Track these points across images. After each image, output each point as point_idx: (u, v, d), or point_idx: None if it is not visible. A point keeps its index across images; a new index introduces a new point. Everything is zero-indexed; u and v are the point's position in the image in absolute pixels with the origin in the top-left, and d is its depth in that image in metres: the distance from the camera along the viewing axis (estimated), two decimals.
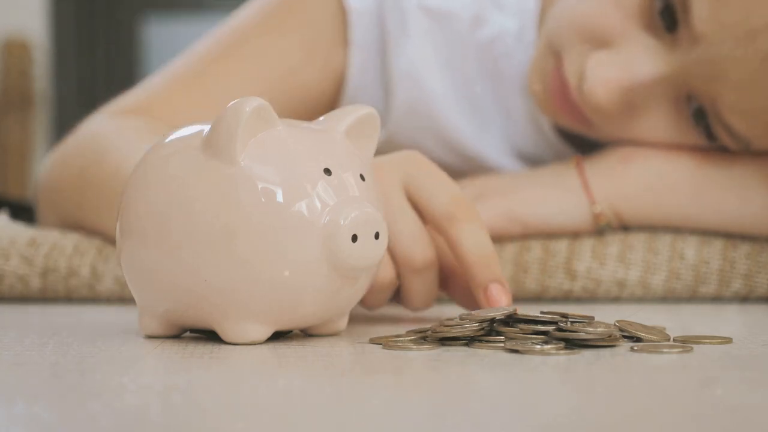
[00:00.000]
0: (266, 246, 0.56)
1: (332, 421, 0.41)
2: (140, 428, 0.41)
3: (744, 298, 0.84)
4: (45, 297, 0.84)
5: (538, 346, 0.56)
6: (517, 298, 0.84)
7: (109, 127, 0.87)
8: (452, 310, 0.70)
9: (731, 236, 0.84)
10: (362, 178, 0.59)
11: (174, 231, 0.57)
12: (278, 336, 0.61)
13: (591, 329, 0.57)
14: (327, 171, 0.57)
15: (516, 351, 0.56)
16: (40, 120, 3.21)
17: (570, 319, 0.58)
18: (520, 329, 0.58)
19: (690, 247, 0.84)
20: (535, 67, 0.87)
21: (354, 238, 0.57)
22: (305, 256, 0.57)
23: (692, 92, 0.81)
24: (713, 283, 0.83)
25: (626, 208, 0.85)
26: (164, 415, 0.43)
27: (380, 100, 0.92)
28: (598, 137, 0.87)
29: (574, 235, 0.85)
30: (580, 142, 0.91)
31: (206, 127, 0.58)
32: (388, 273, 0.66)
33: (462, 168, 0.92)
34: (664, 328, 0.62)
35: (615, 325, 0.59)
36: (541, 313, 0.59)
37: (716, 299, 0.84)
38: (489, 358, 0.55)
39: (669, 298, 0.84)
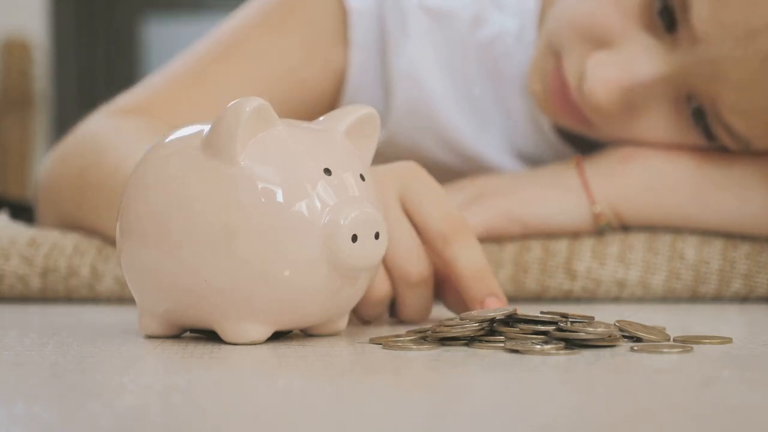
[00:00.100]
0: (266, 246, 0.56)
1: (332, 421, 0.41)
2: (140, 428, 0.41)
3: (744, 298, 0.84)
4: (45, 297, 0.84)
5: (538, 346, 0.56)
6: (517, 298, 0.84)
7: (109, 127, 0.87)
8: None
9: (731, 236, 0.84)
10: (362, 178, 0.59)
11: (174, 231, 0.57)
12: (278, 336, 0.61)
13: (591, 329, 0.57)
14: (327, 171, 0.57)
15: (516, 351, 0.56)
16: (40, 120, 3.21)
17: (570, 319, 0.58)
18: (520, 329, 0.58)
19: (690, 247, 0.84)
20: (535, 67, 0.87)
21: (354, 238, 0.57)
22: (305, 256, 0.57)
23: (692, 92, 0.81)
24: (713, 283, 0.83)
25: (626, 208, 0.85)
26: (164, 415, 0.43)
27: (380, 100, 0.92)
28: (598, 137, 0.87)
29: (574, 235, 0.85)
30: (580, 142, 0.91)
31: (206, 127, 0.58)
32: (383, 286, 0.66)
33: (462, 168, 0.92)
34: (664, 328, 0.62)
35: (615, 325, 0.59)
36: (541, 313, 0.59)
37: (716, 299, 0.84)
38: (489, 358, 0.55)
39: (669, 298, 0.84)
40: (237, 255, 0.56)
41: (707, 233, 0.85)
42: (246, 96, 0.57)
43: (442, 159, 0.92)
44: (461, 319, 0.59)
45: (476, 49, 0.93)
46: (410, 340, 0.59)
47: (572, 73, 0.83)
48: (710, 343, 0.59)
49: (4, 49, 3.14)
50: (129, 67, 3.26)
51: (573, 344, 0.57)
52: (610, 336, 0.58)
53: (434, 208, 0.66)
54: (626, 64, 0.81)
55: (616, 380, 0.50)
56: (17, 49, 3.15)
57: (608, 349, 0.57)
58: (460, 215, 0.66)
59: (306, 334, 0.62)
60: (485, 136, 0.93)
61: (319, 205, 0.57)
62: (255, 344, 0.58)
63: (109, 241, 0.83)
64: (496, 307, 0.63)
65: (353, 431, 0.40)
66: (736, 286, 0.83)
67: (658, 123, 0.84)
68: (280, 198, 0.56)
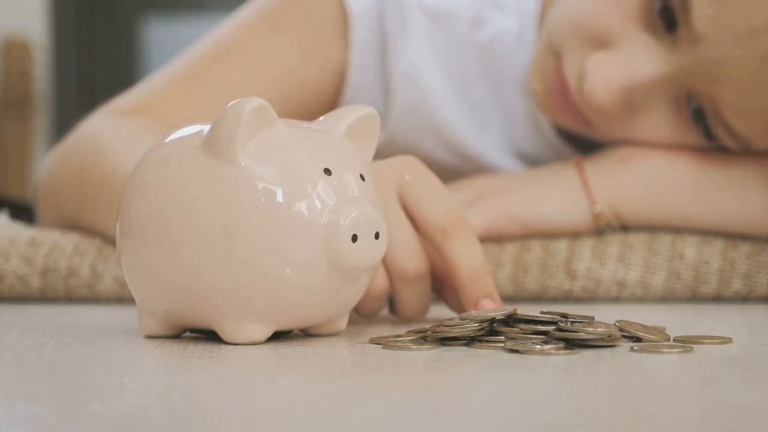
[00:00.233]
0: (266, 246, 0.56)
1: (332, 421, 0.41)
2: (140, 428, 0.41)
3: (744, 298, 0.84)
4: (45, 297, 0.84)
5: (538, 346, 0.56)
6: (517, 298, 0.84)
7: (108, 128, 0.87)
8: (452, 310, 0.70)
9: (731, 236, 0.84)
10: (362, 178, 0.59)
11: (174, 231, 0.57)
12: (278, 336, 0.61)
13: (591, 329, 0.57)
14: (327, 171, 0.57)
15: (516, 351, 0.56)
16: (40, 120, 3.21)
17: (570, 319, 0.58)
18: (520, 329, 0.58)
19: (690, 247, 0.84)
20: (535, 67, 0.87)
21: (354, 238, 0.57)
22: (305, 256, 0.57)
23: (692, 92, 0.81)
24: (713, 283, 0.83)
25: (626, 208, 0.85)
26: (164, 415, 0.43)
27: (380, 100, 0.92)
28: (598, 137, 0.87)
29: (574, 235, 0.85)
30: (580, 142, 0.91)
31: (206, 127, 0.58)
32: (381, 282, 0.66)
33: (462, 168, 0.92)
34: (664, 328, 0.62)
35: (615, 325, 0.59)
36: (541, 313, 0.59)
37: (716, 299, 0.84)
38: (489, 358, 0.55)
39: (669, 298, 0.84)
40: (237, 255, 0.56)
41: (707, 233, 0.85)
42: (246, 96, 0.57)
43: (441, 159, 0.92)
44: (461, 319, 0.59)
45: (476, 50, 0.93)
46: (410, 340, 0.59)
47: (572, 73, 0.83)
48: (710, 343, 0.59)
49: (4, 49, 3.14)
50: (129, 67, 3.26)
51: (573, 344, 0.57)
52: (610, 336, 0.58)
53: (434, 203, 0.66)
54: (626, 64, 0.81)
55: (616, 380, 0.50)
56: (17, 49, 3.15)
57: (608, 349, 0.57)
58: (461, 211, 0.66)
59: (306, 334, 0.62)
60: (485, 137, 0.93)
61: (319, 205, 0.57)
62: (255, 344, 0.58)
63: (109, 241, 0.83)
64: (491, 309, 0.63)
65: (353, 431, 0.40)
66: (736, 286, 0.83)
67: (658, 123, 0.84)
68: (280, 198, 0.56)
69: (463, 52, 0.92)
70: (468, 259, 0.65)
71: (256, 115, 0.57)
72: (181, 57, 0.92)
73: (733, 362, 0.55)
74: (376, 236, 0.57)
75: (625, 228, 0.86)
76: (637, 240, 0.84)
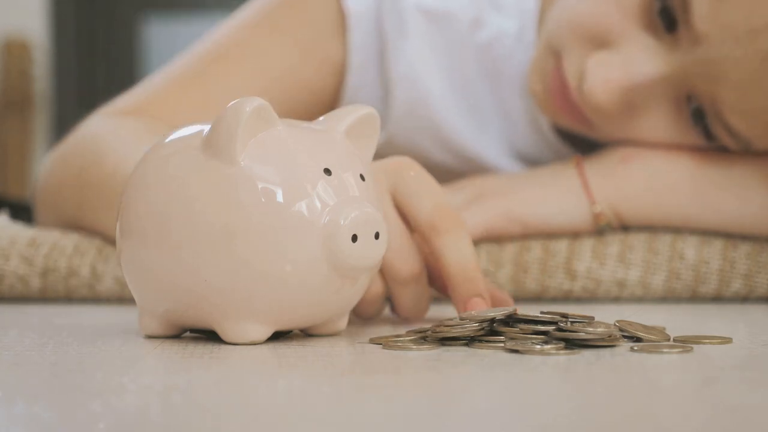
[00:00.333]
0: (266, 246, 0.56)
1: (332, 421, 0.41)
2: (140, 428, 0.41)
3: (744, 298, 0.84)
4: (45, 297, 0.84)
5: (538, 346, 0.56)
6: (517, 298, 0.84)
7: (108, 128, 0.87)
8: (452, 310, 0.70)
9: (731, 236, 0.84)
10: (362, 178, 0.59)
11: (174, 231, 0.57)
12: (278, 336, 0.61)
13: (591, 329, 0.57)
14: (327, 171, 0.57)
15: (516, 351, 0.56)
16: (40, 120, 3.21)
17: (570, 319, 0.58)
18: (520, 329, 0.58)
19: (690, 247, 0.84)
20: (535, 67, 0.87)
21: (354, 238, 0.57)
22: (305, 256, 0.57)
23: (692, 92, 0.81)
24: (713, 283, 0.83)
25: (626, 208, 0.85)
26: (164, 415, 0.43)
27: (380, 100, 0.92)
28: (598, 137, 0.87)
29: (574, 235, 0.85)
30: (580, 142, 0.91)
31: (206, 127, 0.58)
32: (377, 284, 0.66)
33: (461, 168, 0.92)
34: (664, 328, 0.62)
35: (615, 325, 0.59)
36: (541, 313, 0.59)
37: (716, 299, 0.84)
38: (489, 358, 0.55)
39: (669, 298, 0.84)
40: (237, 255, 0.56)
41: (707, 233, 0.85)
42: (246, 96, 0.57)
43: (441, 160, 0.92)
44: (461, 319, 0.59)
45: (475, 50, 0.93)
46: (410, 340, 0.59)
47: (572, 73, 0.83)
48: (710, 343, 0.59)
49: (4, 49, 3.14)
50: (129, 67, 3.26)
51: (573, 344, 0.57)
52: (610, 336, 0.58)
53: (425, 200, 0.66)
54: (626, 64, 0.81)
55: (616, 380, 0.50)
56: (17, 49, 3.15)
57: (608, 349, 0.57)
58: (452, 207, 0.66)
59: (306, 334, 0.62)
60: (484, 137, 0.93)
61: (319, 205, 0.57)
62: (255, 344, 0.58)
63: (109, 241, 0.83)
64: (481, 309, 0.62)
65: (353, 431, 0.40)
66: (736, 286, 0.83)
67: (658, 123, 0.84)
68: (280, 198, 0.56)
69: (462, 52, 0.92)
70: (458, 257, 0.65)
71: (256, 115, 0.57)
72: (180, 57, 0.92)
73: (733, 362, 0.55)
74: (376, 236, 0.57)
75: (625, 228, 0.86)
76: (637, 240, 0.84)
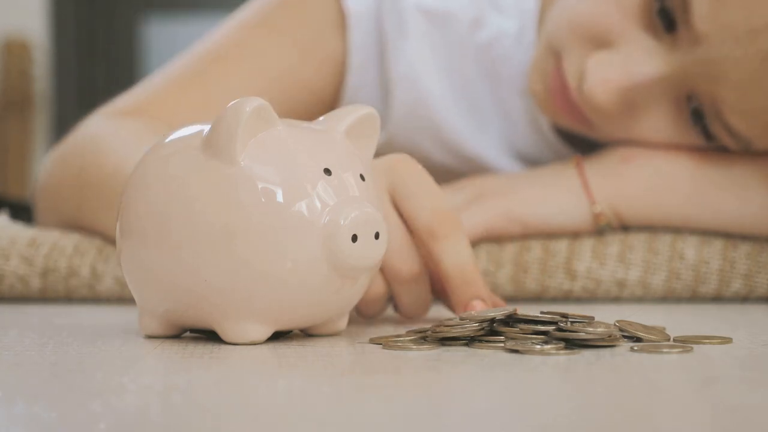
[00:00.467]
0: (266, 246, 0.56)
1: (332, 421, 0.41)
2: (140, 428, 0.41)
3: (744, 298, 0.84)
4: (45, 297, 0.84)
5: (538, 346, 0.56)
6: (517, 298, 0.84)
7: (108, 129, 0.87)
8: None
9: (731, 236, 0.84)
10: (362, 178, 0.59)
11: (174, 231, 0.57)
12: (278, 336, 0.61)
13: (591, 329, 0.57)
14: (327, 171, 0.57)
15: (516, 351, 0.56)
16: (40, 120, 3.21)
17: (570, 319, 0.58)
18: (520, 329, 0.58)
19: (690, 247, 0.84)
20: (535, 67, 0.87)
21: (354, 238, 0.57)
22: (305, 256, 0.57)
23: (692, 92, 0.81)
24: (713, 283, 0.83)
25: (626, 208, 0.85)
26: (164, 415, 0.43)
27: (380, 101, 0.92)
28: (598, 137, 0.87)
29: (574, 235, 0.85)
30: (579, 143, 0.91)
31: (206, 127, 0.58)
32: (379, 285, 0.66)
33: (461, 169, 0.92)
34: (664, 328, 0.62)
35: (615, 325, 0.59)
36: (541, 313, 0.59)
37: (716, 299, 0.84)
38: (489, 358, 0.55)
39: (669, 298, 0.84)
40: (237, 255, 0.56)
41: (707, 233, 0.85)
42: (245, 96, 0.57)
43: (441, 160, 0.92)
44: (461, 319, 0.59)
45: (475, 51, 0.93)
46: (410, 340, 0.59)
47: (572, 74, 0.83)
48: (710, 343, 0.59)
49: (4, 49, 3.14)
50: (129, 67, 3.26)
51: (573, 344, 0.57)
52: (610, 336, 0.58)
53: (422, 202, 0.65)
54: (626, 65, 0.81)
55: (616, 380, 0.50)
56: (17, 49, 3.15)
57: (608, 349, 0.57)
58: (450, 209, 0.66)
59: (306, 334, 0.62)
60: (484, 138, 0.93)
61: (319, 205, 0.57)
62: (255, 344, 0.58)
63: (109, 241, 0.83)
64: (483, 310, 0.62)
65: (353, 431, 0.40)
66: (736, 286, 0.83)
67: (658, 123, 0.84)
68: (280, 198, 0.56)
69: (462, 53, 0.92)
70: (456, 261, 0.64)
71: (256, 115, 0.57)
72: (180, 58, 0.92)
73: (733, 362, 0.55)
74: (376, 236, 0.57)
75: (625, 228, 0.86)
76: (637, 240, 0.84)
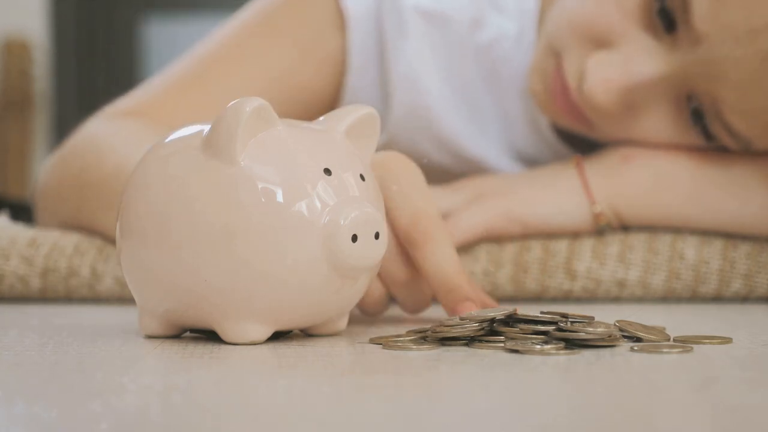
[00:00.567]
0: (266, 246, 0.56)
1: (332, 421, 0.41)
2: (140, 428, 0.41)
3: (744, 298, 0.84)
4: (45, 297, 0.84)
5: (538, 346, 0.56)
6: (517, 298, 0.84)
7: (108, 130, 0.87)
8: None
9: (731, 236, 0.84)
10: (362, 178, 0.59)
11: (174, 231, 0.57)
12: (278, 336, 0.61)
13: (591, 329, 0.57)
14: (327, 171, 0.57)
15: (516, 351, 0.56)
16: (40, 120, 3.21)
17: (570, 319, 0.58)
18: (520, 329, 0.58)
19: (690, 247, 0.84)
20: (535, 67, 0.87)
21: (354, 238, 0.57)
22: (305, 256, 0.57)
23: (692, 92, 0.81)
24: (713, 283, 0.83)
25: (626, 208, 0.85)
26: (164, 415, 0.43)
27: (379, 101, 0.92)
28: (599, 137, 0.87)
29: (574, 235, 0.85)
30: (579, 143, 0.91)
31: (206, 127, 0.58)
32: (377, 287, 0.66)
33: (461, 169, 0.92)
34: (664, 328, 0.62)
35: (615, 325, 0.59)
36: (541, 313, 0.59)
37: (716, 299, 0.84)
38: (489, 358, 0.55)
39: (669, 298, 0.84)
40: (237, 255, 0.56)
41: (707, 233, 0.85)
42: (245, 96, 0.57)
43: (440, 161, 0.92)
44: (461, 319, 0.59)
45: (475, 52, 0.93)
46: (410, 340, 0.59)
47: (572, 74, 0.83)
48: (710, 343, 0.59)
49: (4, 49, 3.14)
50: (129, 67, 3.26)
51: (573, 344, 0.57)
52: (610, 336, 0.58)
53: (402, 207, 0.65)
54: (626, 65, 0.81)
55: (616, 380, 0.50)
56: (17, 49, 3.15)
57: (608, 349, 0.57)
58: (429, 212, 0.65)
59: (306, 334, 0.62)
60: (484, 138, 0.93)
61: (319, 205, 0.57)
62: (255, 344, 0.58)
63: (110, 241, 0.83)
64: (471, 311, 0.62)
65: (353, 431, 0.40)
66: (736, 286, 0.83)
67: (659, 123, 0.84)
68: (280, 198, 0.56)
69: (461, 53, 0.92)
70: (437, 269, 0.64)
71: (256, 115, 0.57)
72: (180, 59, 0.92)
73: (733, 362, 0.55)
74: (376, 236, 0.57)
75: (625, 228, 0.86)
76: (637, 240, 0.84)
